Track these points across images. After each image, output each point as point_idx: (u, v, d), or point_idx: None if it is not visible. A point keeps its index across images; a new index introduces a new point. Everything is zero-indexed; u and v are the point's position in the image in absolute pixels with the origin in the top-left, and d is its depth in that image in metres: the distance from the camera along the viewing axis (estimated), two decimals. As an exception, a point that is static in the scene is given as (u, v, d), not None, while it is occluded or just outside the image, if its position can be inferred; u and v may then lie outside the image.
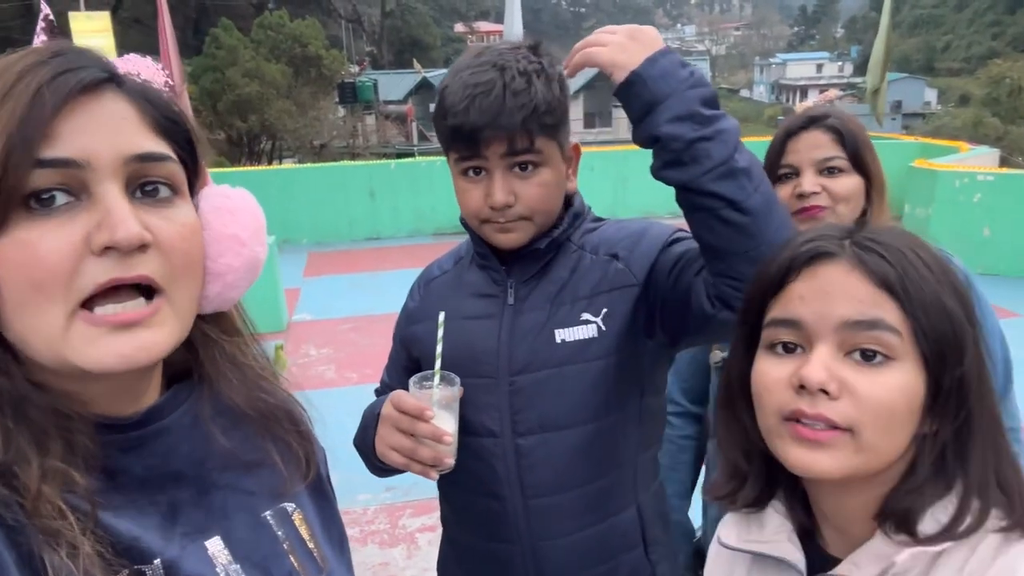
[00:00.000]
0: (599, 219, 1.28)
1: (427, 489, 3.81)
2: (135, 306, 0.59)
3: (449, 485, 1.29)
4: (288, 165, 12.77)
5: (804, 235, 0.76)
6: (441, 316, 1.14)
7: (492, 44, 1.18)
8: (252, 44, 25.05)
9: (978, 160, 8.78)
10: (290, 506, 0.77)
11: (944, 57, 72.76)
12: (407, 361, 1.34)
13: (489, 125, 1.07)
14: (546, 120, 1.10)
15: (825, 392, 0.68)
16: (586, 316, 1.16)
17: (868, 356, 0.68)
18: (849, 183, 1.45)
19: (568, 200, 1.23)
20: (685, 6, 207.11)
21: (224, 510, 0.71)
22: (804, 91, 70.01)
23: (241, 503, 0.73)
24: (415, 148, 28.42)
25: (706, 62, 43.01)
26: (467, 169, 1.14)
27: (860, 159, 1.46)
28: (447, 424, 1.09)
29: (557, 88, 1.12)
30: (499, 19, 11.13)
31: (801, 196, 1.45)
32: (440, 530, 1.41)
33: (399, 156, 15.88)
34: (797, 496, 0.82)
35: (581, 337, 1.16)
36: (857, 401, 0.68)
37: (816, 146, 1.46)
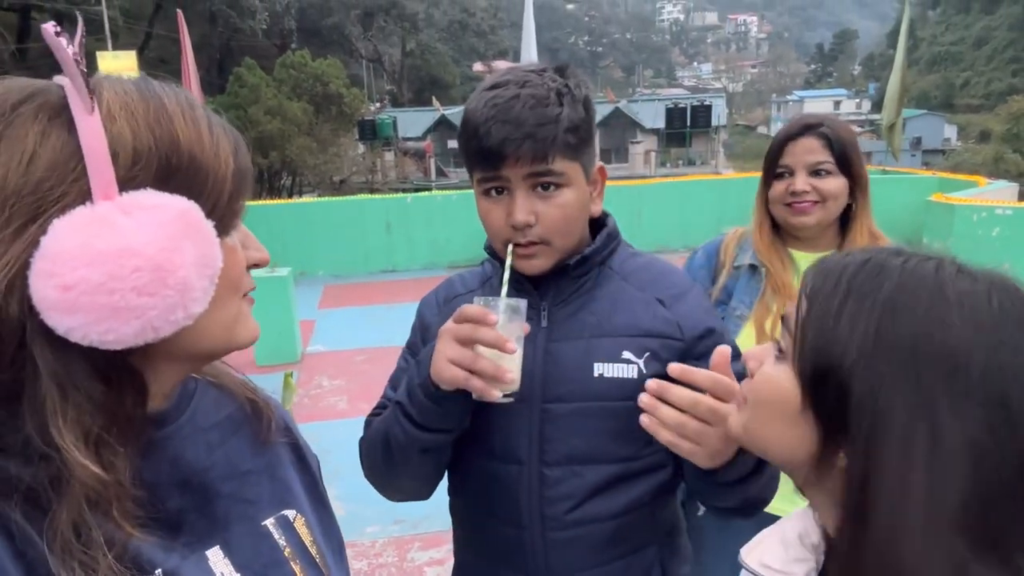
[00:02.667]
0: (629, 246, 1.26)
1: (436, 522, 3.80)
2: None
3: (466, 509, 1.26)
4: (307, 199, 13.02)
5: None
6: (510, 246, 1.10)
7: (518, 66, 1.16)
8: (275, 83, 25.65)
9: (997, 194, 8.72)
10: (291, 512, 0.78)
11: (963, 94, 72.82)
12: None
13: (510, 142, 1.05)
14: (569, 140, 1.08)
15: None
16: (628, 355, 1.13)
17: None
18: (835, 184, 1.72)
19: (601, 221, 1.21)
20: (701, 45, 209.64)
21: (225, 520, 0.72)
22: (822, 128, 70.07)
23: (241, 512, 0.74)
24: (433, 183, 28.76)
25: (723, 99, 43.35)
26: (489, 189, 1.11)
27: (846, 162, 1.72)
28: (512, 339, 1.01)
29: (582, 110, 1.10)
30: (517, 58, 11.33)
31: (794, 193, 1.73)
32: (449, 563, 1.38)
33: (417, 191, 16.07)
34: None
35: (621, 375, 1.12)
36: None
37: (809, 151, 1.73)
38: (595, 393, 1.12)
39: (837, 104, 74.89)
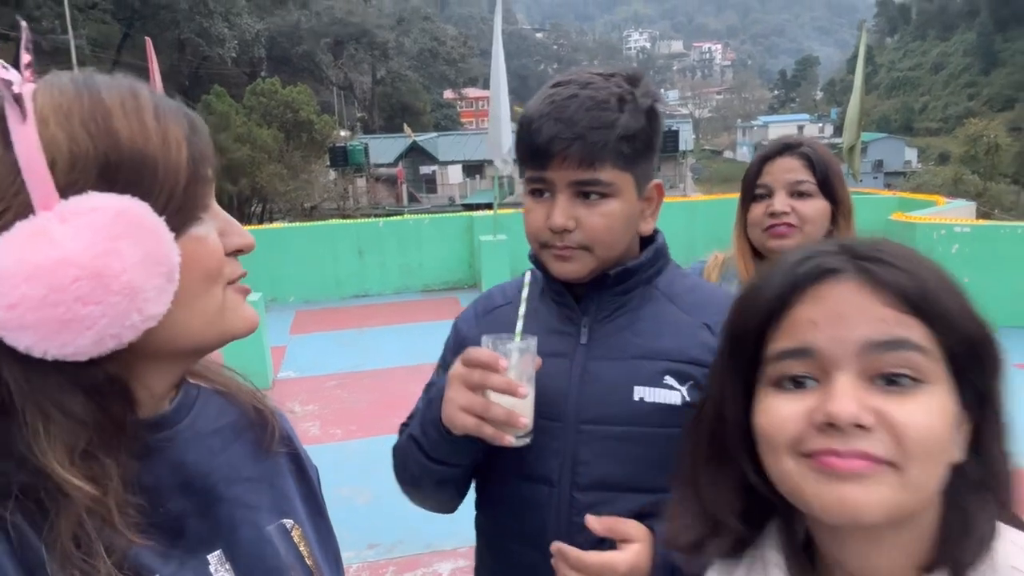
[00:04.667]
0: (678, 266, 1.22)
1: (411, 547, 3.77)
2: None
3: (491, 527, 1.22)
4: (277, 225, 12.91)
5: (796, 253, 0.67)
6: (527, 276, 1.07)
7: (585, 68, 1.11)
8: (244, 110, 25.61)
9: (955, 213, 8.95)
10: (288, 522, 0.77)
11: (922, 117, 74.79)
12: None
13: (559, 141, 1.01)
14: (623, 148, 1.03)
15: (859, 426, 0.58)
16: (670, 380, 1.07)
17: (893, 380, 0.59)
18: (816, 206, 1.62)
19: (650, 237, 1.16)
20: (668, 72, 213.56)
21: (230, 523, 0.71)
22: (787, 151, 71.77)
23: (246, 517, 0.73)
24: (405, 209, 28.80)
25: (690, 125, 44.09)
26: (534, 189, 1.08)
27: (828, 185, 1.62)
28: (524, 381, 1.00)
29: (643, 119, 1.05)
30: (487, 85, 11.47)
31: (773, 214, 1.62)
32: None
33: (389, 216, 16.08)
34: (797, 552, 0.71)
35: (663, 401, 1.06)
36: (898, 432, 0.58)
37: (788, 170, 1.63)
38: (635, 418, 1.07)
39: (800, 129, 76.29)
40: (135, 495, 0.61)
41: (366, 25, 46.63)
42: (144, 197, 0.59)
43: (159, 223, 0.59)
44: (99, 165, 0.58)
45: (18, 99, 0.55)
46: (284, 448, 0.82)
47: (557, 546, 1.01)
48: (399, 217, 11.79)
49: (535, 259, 1.16)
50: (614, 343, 1.11)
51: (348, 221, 11.03)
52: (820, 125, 75.19)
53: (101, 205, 0.56)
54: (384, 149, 36.93)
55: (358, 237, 9.86)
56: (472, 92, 75.53)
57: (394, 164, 35.73)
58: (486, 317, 1.24)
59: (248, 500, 0.74)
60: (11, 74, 0.56)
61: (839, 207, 1.65)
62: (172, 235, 0.60)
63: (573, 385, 1.09)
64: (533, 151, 1.04)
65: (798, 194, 1.62)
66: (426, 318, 8.30)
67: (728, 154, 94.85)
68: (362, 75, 50.54)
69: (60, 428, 0.56)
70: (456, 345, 1.25)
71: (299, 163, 26.46)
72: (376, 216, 20.83)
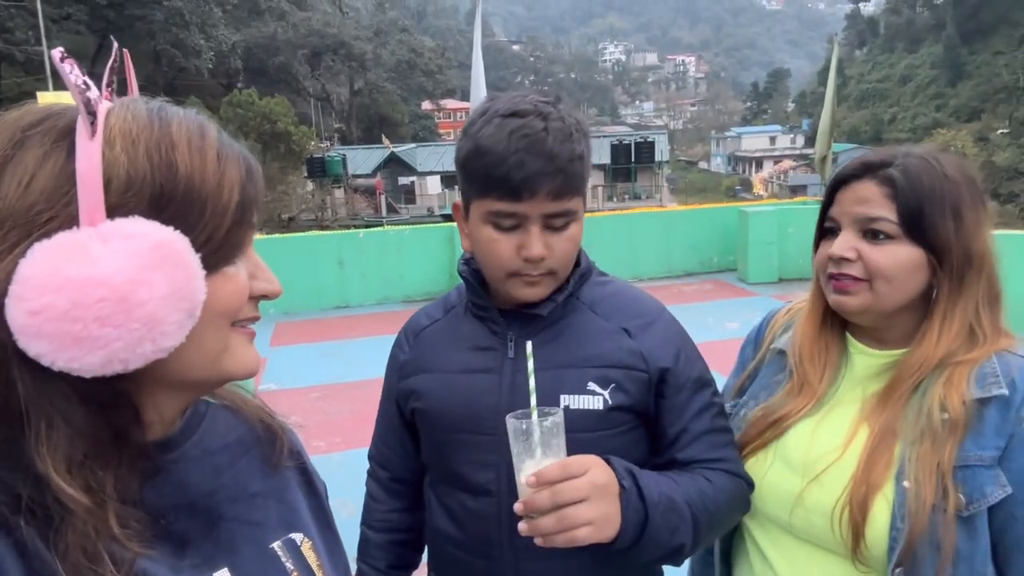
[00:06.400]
0: (603, 274, 1.25)
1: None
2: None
3: (439, 542, 1.25)
4: (255, 237, 12.85)
5: None
6: (529, 346, 1.04)
7: (515, 92, 1.13)
8: (221, 121, 25.19)
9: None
10: (298, 536, 0.78)
11: (891, 128, 76.00)
12: (400, 420, 1.29)
13: (543, 176, 1.02)
14: (584, 176, 1.08)
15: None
16: (593, 386, 1.12)
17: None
18: (895, 254, 1.11)
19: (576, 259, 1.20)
20: (643, 84, 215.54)
21: (232, 542, 0.72)
22: (759, 162, 72.79)
23: (248, 535, 0.74)
24: (384, 219, 28.70)
25: (665, 136, 44.53)
26: (500, 221, 1.07)
27: (917, 224, 1.10)
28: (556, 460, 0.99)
29: (585, 143, 1.09)
30: (464, 97, 11.54)
31: (831, 259, 1.16)
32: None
33: (368, 227, 16.08)
34: None
35: (587, 407, 1.12)
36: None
37: (860, 200, 1.14)
38: None
39: (773, 140, 77.50)
40: (137, 511, 0.61)
41: (343, 37, 46.62)
42: (186, 232, 0.60)
43: (194, 260, 0.60)
44: (152, 194, 0.59)
45: (92, 116, 0.58)
46: (293, 462, 0.84)
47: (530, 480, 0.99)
48: (380, 228, 11.76)
49: (471, 276, 1.18)
50: (539, 355, 1.11)
51: (328, 232, 10.98)
52: (792, 136, 76.38)
53: (143, 232, 0.58)
54: (362, 160, 36.83)
55: (338, 248, 9.83)
56: (450, 103, 75.65)
57: (372, 175, 35.59)
58: (416, 339, 1.28)
59: (252, 517, 0.75)
60: (92, 92, 0.58)
61: (941, 256, 1.10)
62: (204, 273, 0.61)
63: (504, 399, 1.13)
64: (511, 185, 1.03)
65: (871, 234, 1.13)
66: (407, 329, 8.30)
67: (703, 165, 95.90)
68: (339, 86, 50.48)
69: (61, 436, 0.57)
70: (396, 374, 1.29)
71: (276, 174, 26.37)
72: (355, 227, 20.81)
